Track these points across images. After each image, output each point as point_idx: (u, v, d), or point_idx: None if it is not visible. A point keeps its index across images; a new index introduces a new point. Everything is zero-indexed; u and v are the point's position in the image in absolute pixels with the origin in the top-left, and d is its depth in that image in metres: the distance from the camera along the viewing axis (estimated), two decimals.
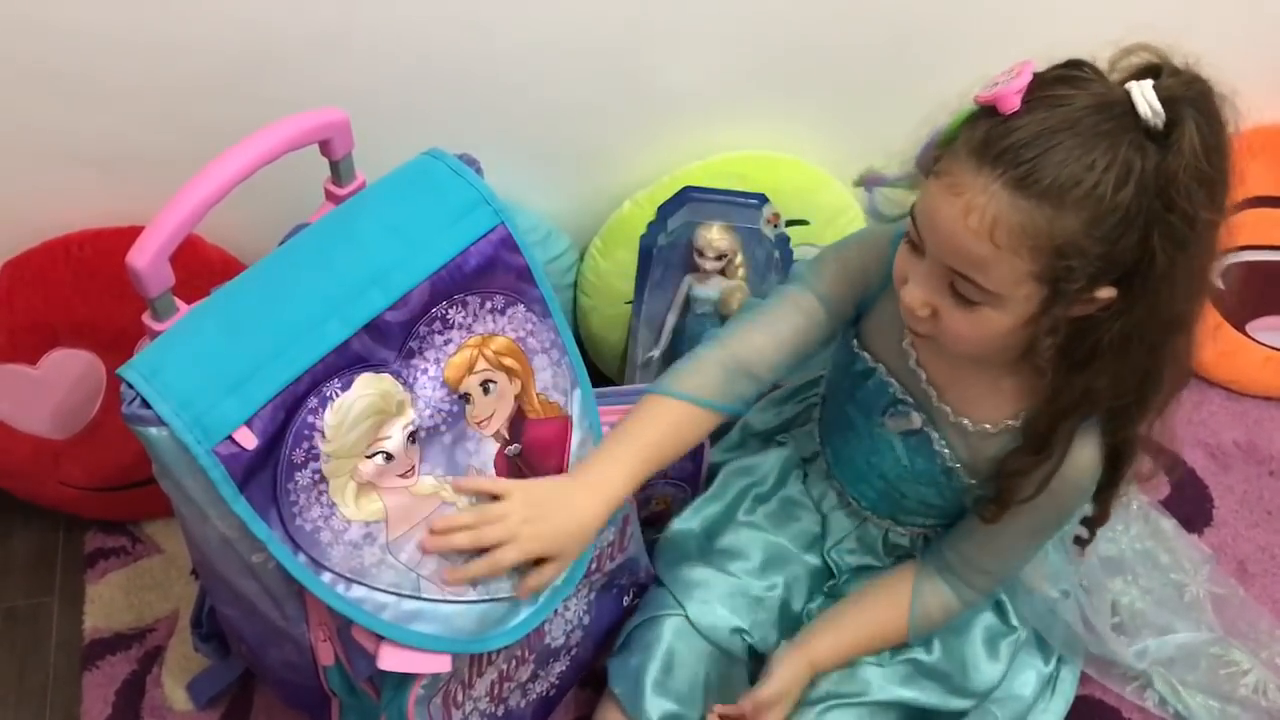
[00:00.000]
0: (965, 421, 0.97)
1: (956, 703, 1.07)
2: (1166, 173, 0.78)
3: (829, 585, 1.12)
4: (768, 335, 1.00)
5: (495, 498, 0.90)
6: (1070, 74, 0.81)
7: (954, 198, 0.80)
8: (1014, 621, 1.10)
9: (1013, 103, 0.79)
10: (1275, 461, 1.38)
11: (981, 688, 1.08)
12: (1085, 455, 0.93)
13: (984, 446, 0.97)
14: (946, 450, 0.99)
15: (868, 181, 0.98)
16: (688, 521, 1.12)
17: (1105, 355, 0.85)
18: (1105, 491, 0.98)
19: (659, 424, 0.97)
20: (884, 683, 1.05)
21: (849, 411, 1.05)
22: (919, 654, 1.07)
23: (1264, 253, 1.43)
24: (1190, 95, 0.79)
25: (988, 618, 1.10)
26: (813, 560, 1.12)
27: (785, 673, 1.02)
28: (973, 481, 1.00)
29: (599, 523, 0.92)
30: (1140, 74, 0.81)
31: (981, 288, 0.82)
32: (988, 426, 0.96)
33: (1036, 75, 0.81)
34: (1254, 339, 1.44)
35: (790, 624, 1.09)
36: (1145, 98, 0.78)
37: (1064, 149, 0.78)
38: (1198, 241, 0.80)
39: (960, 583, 1.04)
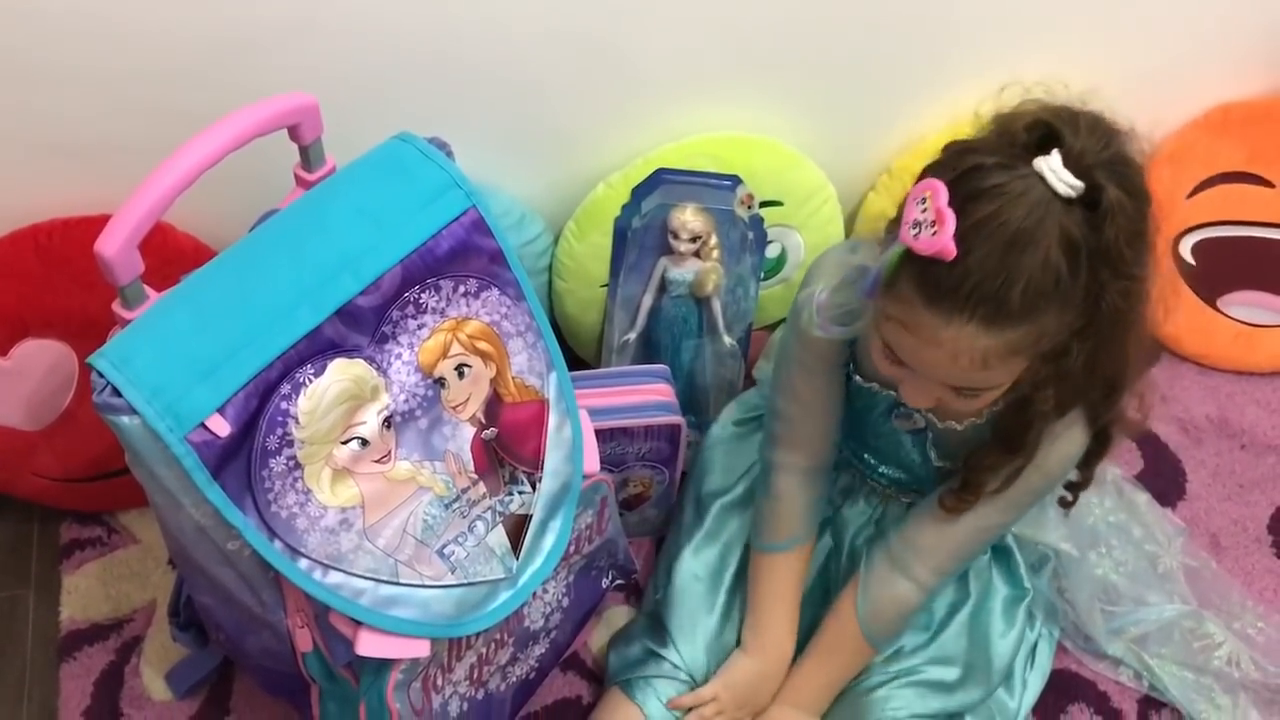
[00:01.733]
0: (952, 424, 1.00)
1: (994, 684, 1.11)
2: (1105, 244, 0.78)
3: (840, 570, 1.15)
4: (814, 424, 1.06)
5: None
6: (976, 185, 0.78)
7: (935, 348, 0.82)
8: (1026, 584, 1.13)
9: (953, 250, 0.77)
10: (1246, 435, 1.39)
11: (1002, 668, 1.10)
12: (1067, 446, 0.96)
13: (958, 440, 1.01)
14: (933, 451, 1.04)
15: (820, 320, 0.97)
16: (690, 564, 1.15)
17: (1076, 372, 0.86)
18: (1089, 463, 1.01)
19: (783, 575, 1.09)
20: (926, 700, 1.08)
21: (858, 416, 1.08)
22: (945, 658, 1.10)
23: (1234, 228, 1.44)
24: (1101, 155, 0.78)
25: (1002, 588, 1.13)
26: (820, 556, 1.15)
27: None
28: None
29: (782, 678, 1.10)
30: (1042, 145, 0.79)
31: (981, 388, 0.86)
32: (955, 425, 1.00)
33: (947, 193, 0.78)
34: (1225, 314, 1.45)
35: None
36: (1059, 176, 0.77)
37: (1019, 267, 0.77)
38: (1144, 273, 0.82)
39: (905, 576, 1.04)
